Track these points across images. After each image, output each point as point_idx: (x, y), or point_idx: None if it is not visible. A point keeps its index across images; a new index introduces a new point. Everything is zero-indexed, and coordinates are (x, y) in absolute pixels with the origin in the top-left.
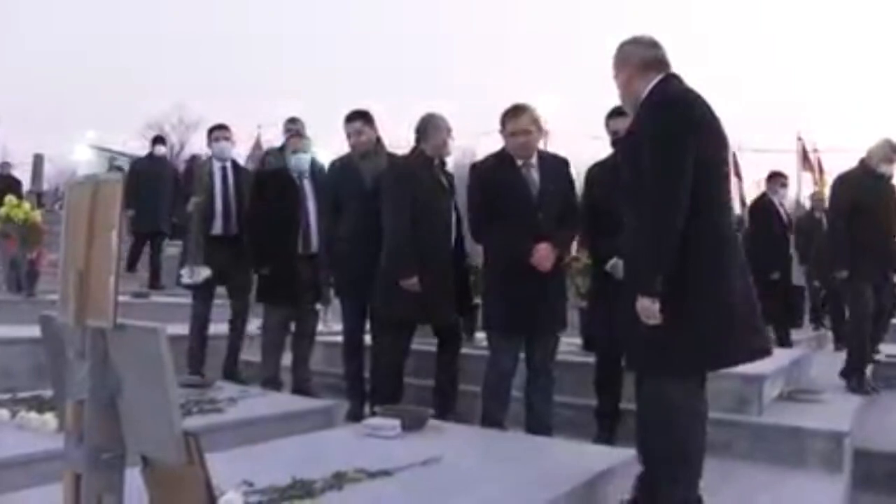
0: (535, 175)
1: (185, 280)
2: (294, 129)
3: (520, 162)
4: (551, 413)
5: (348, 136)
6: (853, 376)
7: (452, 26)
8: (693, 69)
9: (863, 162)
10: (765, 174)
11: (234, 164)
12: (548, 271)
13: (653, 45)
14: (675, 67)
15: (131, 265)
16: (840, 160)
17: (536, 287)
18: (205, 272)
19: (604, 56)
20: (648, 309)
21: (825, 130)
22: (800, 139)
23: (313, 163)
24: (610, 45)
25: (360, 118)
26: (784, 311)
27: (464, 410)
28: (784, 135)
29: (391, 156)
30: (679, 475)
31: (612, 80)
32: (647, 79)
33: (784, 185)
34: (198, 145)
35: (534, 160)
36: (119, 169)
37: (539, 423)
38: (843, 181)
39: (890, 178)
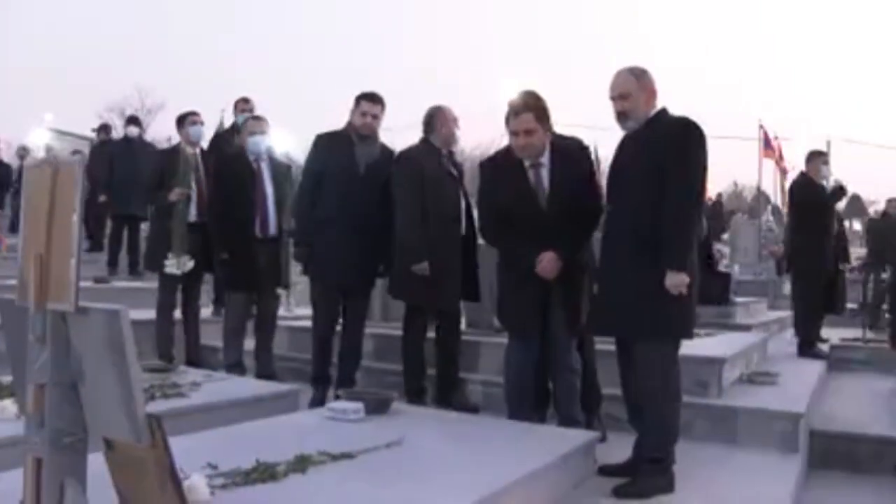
0: (544, 176)
1: (171, 270)
2: (248, 108)
3: (527, 163)
4: (575, 406)
5: (362, 114)
6: None
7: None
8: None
9: None
10: (726, 161)
11: (201, 150)
12: (555, 278)
13: None
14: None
15: (112, 254)
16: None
17: (548, 289)
18: (190, 263)
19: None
20: (684, 281)
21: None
22: (761, 127)
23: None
24: (567, 34)
25: (381, 103)
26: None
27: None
28: (745, 122)
29: (384, 146)
30: (674, 416)
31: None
32: (653, 104)
33: (826, 163)
34: (160, 129)
35: (544, 158)
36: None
37: (564, 418)
38: None
39: None
